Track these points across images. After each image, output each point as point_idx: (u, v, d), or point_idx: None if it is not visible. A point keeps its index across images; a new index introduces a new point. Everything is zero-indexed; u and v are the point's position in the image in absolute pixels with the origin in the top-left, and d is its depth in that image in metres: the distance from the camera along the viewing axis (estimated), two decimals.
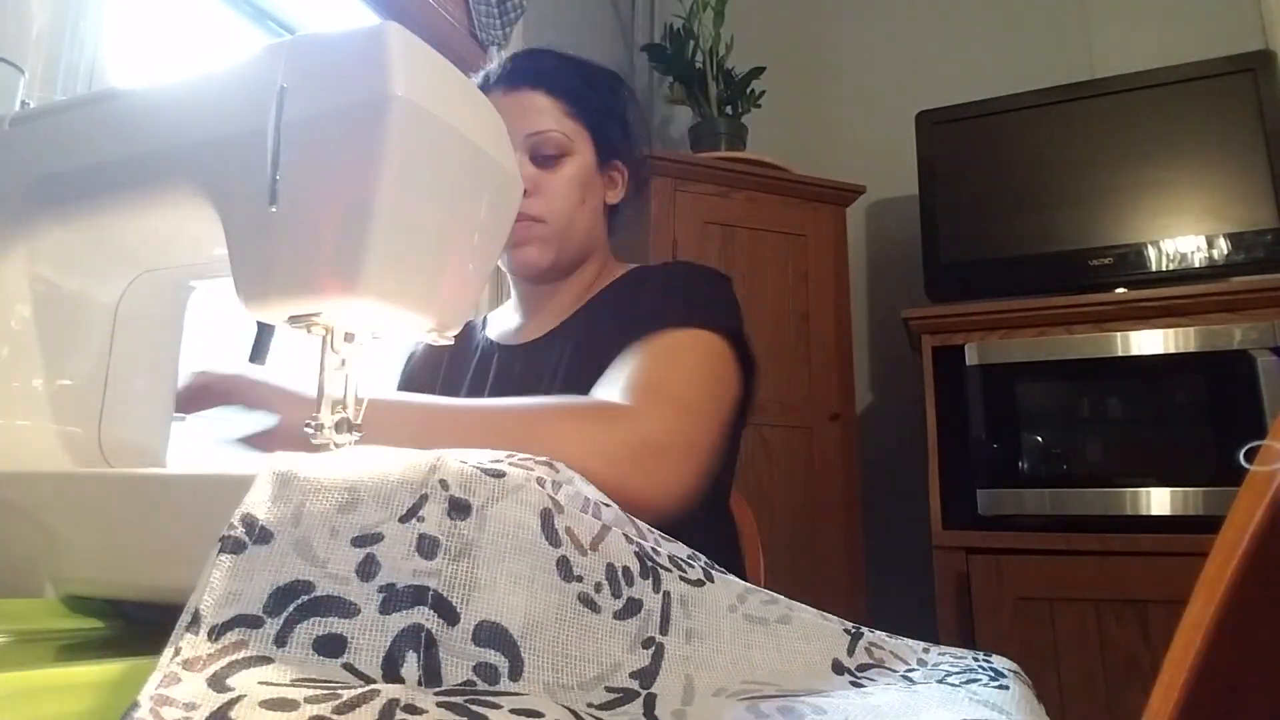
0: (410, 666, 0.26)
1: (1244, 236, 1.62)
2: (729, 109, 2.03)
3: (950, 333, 1.65)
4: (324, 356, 0.42)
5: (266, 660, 0.25)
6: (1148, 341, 1.50)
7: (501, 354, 0.92)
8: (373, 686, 0.24)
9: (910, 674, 0.34)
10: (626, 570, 0.32)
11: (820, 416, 1.81)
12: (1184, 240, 1.66)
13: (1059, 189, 1.78)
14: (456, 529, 0.28)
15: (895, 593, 1.68)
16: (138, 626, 0.40)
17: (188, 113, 0.43)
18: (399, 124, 0.38)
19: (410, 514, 0.28)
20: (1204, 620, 0.31)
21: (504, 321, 0.98)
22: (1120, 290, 1.64)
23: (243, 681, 0.23)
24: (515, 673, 0.27)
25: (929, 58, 2.22)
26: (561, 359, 0.84)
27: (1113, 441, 1.53)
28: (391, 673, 0.25)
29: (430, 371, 0.97)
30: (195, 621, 0.25)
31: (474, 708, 0.24)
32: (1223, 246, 1.63)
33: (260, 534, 0.27)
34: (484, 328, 1.00)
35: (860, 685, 0.32)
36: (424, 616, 0.27)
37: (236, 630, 0.25)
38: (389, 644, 0.26)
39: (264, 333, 0.55)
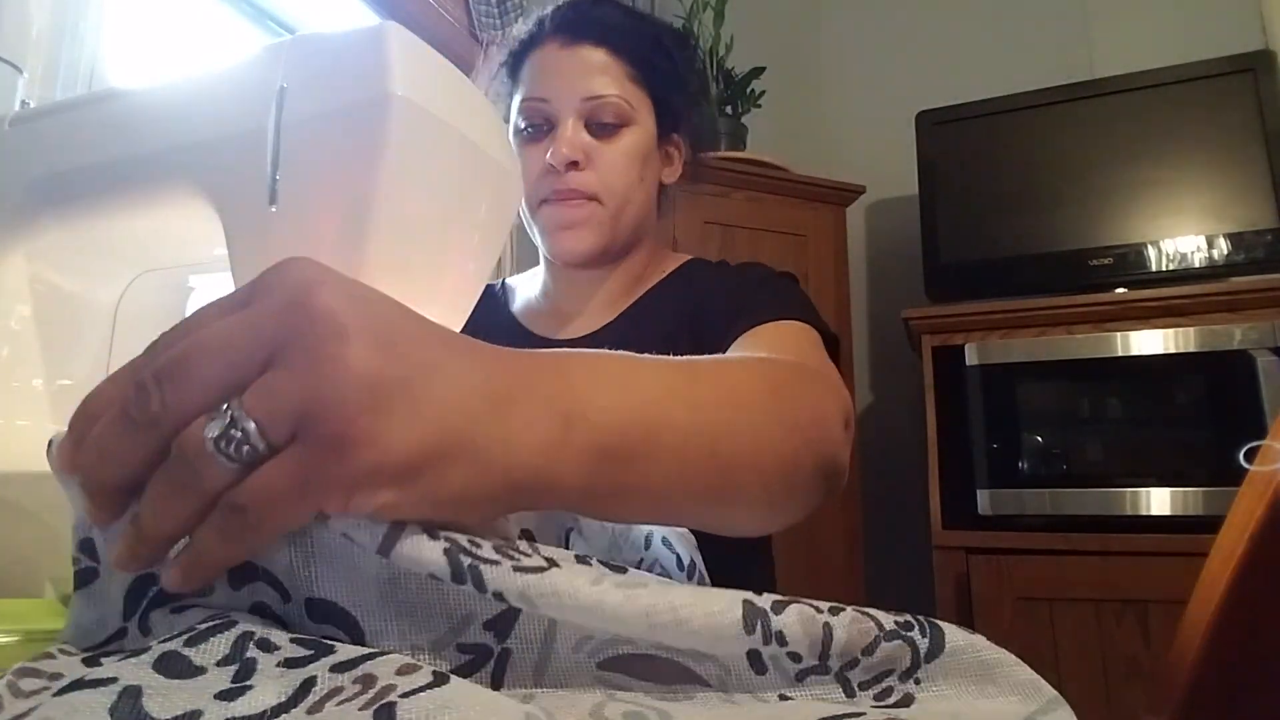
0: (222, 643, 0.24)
1: (1244, 236, 1.62)
2: (729, 109, 2.03)
3: (950, 333, 1.65)
4: None
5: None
6: (1148, 341, 1.50)
7: (536, 345, 0.85)
8: (228, 619, 0.24)
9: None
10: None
11: None
12: (1184, 240, 1.66)
13: (1059, 189, 1.78)
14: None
15: (895, 593, 1.68)
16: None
17: (188, 113, 0.43)
18: (399, 124, 0.38)
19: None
20: (1204, 619, 0.31)
21: (536, 306, 0.88)
22: (1120, 290, 1.64)
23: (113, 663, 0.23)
24: (357, 641, 0.25)
25: (929, 57, 2.22)
26: None
27: (1113, 442, 1.53)
28: (236, 653, 0.24)
29: None
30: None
31: (325, 642, 0.23)
32: (1223, 246, 1.63)
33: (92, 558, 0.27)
34: (509, 301, 0.90)
35: (762, 670, 0.25)
36: (265, 594, 0.26)
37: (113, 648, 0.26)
38: (240, 616, 0.25)
39: None
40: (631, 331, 0.79)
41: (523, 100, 0.78)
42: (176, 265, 0.53)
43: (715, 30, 2.01)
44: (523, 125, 0.78)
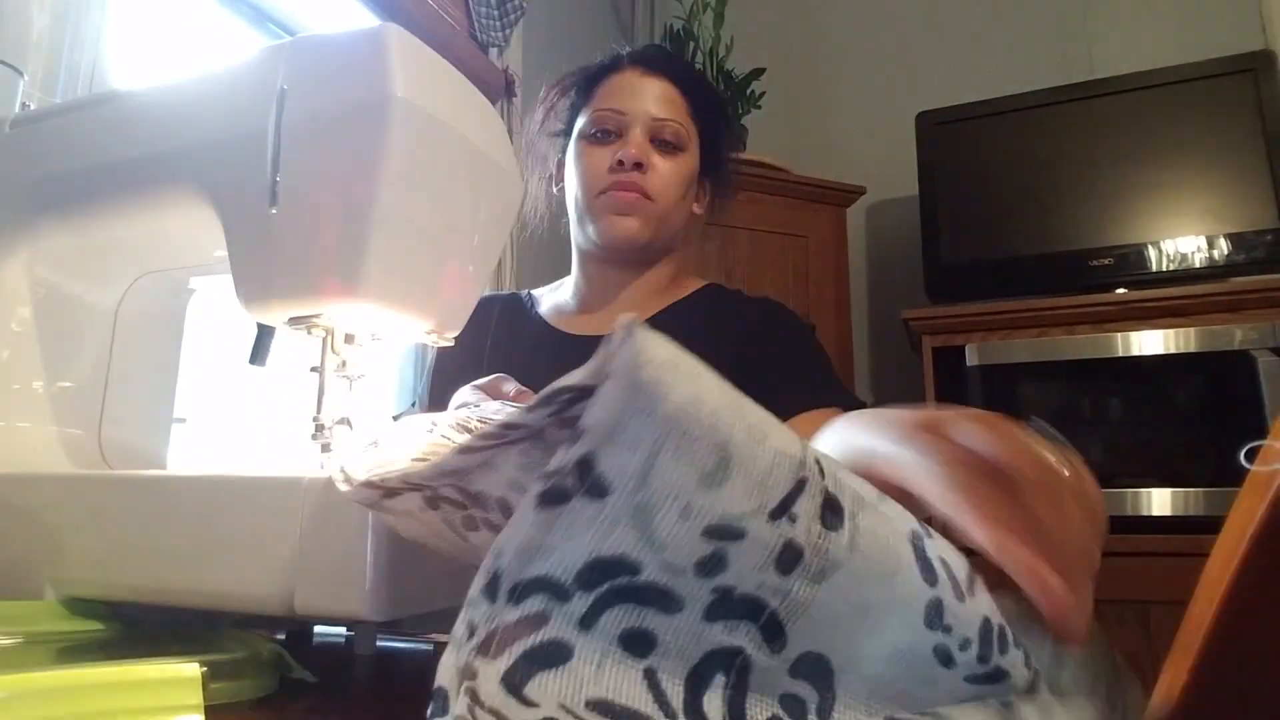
0: (714, 697, 0.22)
1: (1244, 237, 1.62)
2: (729, 110, 2.03)
3: (951, 333, 1.65)
4: (324, 358, 0.42)
5: (566, 651, 0.21)
6: (1148, 342, 1.50)
7: (567, 343, 0.90)
8: None
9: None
10: (1002, 632, 0.26)
11: None
12: (1184, 240, 1.66)
13: (1059, 189, 1.78)
14: (826, 541, 0.22)
15: None
16: (136, 629, 0.40)
17: (188, 114, 0.43)
18: (399, 125, 0.38)
19: (782, 508, 0.22)
20: (1205, 621, 0.31)
21: (565, 308, 0.96)
22: (1121, 291, 1.64)
23: (542, 694, 0.20)
24: (824, 711, 0.23)
25: (929, 58, 2.22)
26: None
27: (1114, 442, 1.53)
28: (693, 696, 0.22)
29: (472, 355, 0.90)
30: (493, 584, 0.21)
31: None
32: (1223, 247, 1.63)
33: (593, 485, 0.21)
34: (536, 306, 0.98)
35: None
36: (747, 637, 0.22)
37: (539, 597, 0.21)
38: (699, 658, 0.22)
39: (264, 334, 0.55)
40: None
41: (596, 110, 0.89)
42: (177, 267, 0.53)
43: (715, 31, 2.01)
44: (592, 130, 0.89)
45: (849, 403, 0.77)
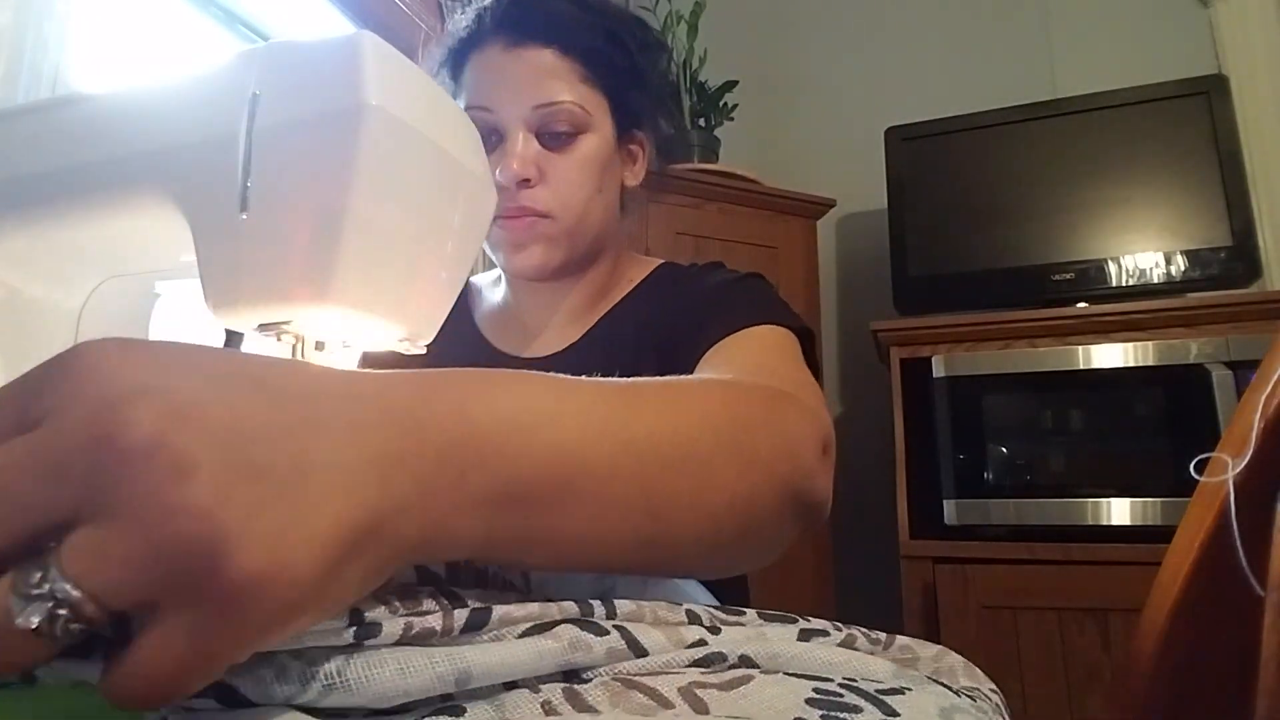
0: None
1: (1200, 254, 1.67)
2: (701, 121, 2.05)
3: (918, 345, 1.68)
4: None
5: None
6: (1108, 355, 1.54)
7: (513, 367, 0.80)
8: None
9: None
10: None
11: None
12: (1143, 256, 1.70)
13: (1023, 205, 1.82)
14: None
15: (863, 602, 1.69)
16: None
17: (158, 117, 0.43)
18: (372, 132, 0.38)
19: None
20: (1157, 626, 0.32)
21: (499, 319, 0.83)
22: (1081, 305, 1.68)
23: None
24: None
25: (898, 75, 2.26)
26: (595, 376, 0.72)
27: (1074, 453, 1.56)
28: None
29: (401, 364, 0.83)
30: None
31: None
32: (1180, 263, 1.68)
33: None
34: (473, 306, 0.86)
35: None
36: None
37: None
38: None
39: (232, 340, 0.55)
40: (599, 349, 0.75)
41: (467, 108, 0.71)
42: (143, 271, 0.52)
43: (689, 44, 2.03)
44: None
45: (765, 319, 0.68)
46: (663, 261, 0.84)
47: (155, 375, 0.20)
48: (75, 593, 0.18)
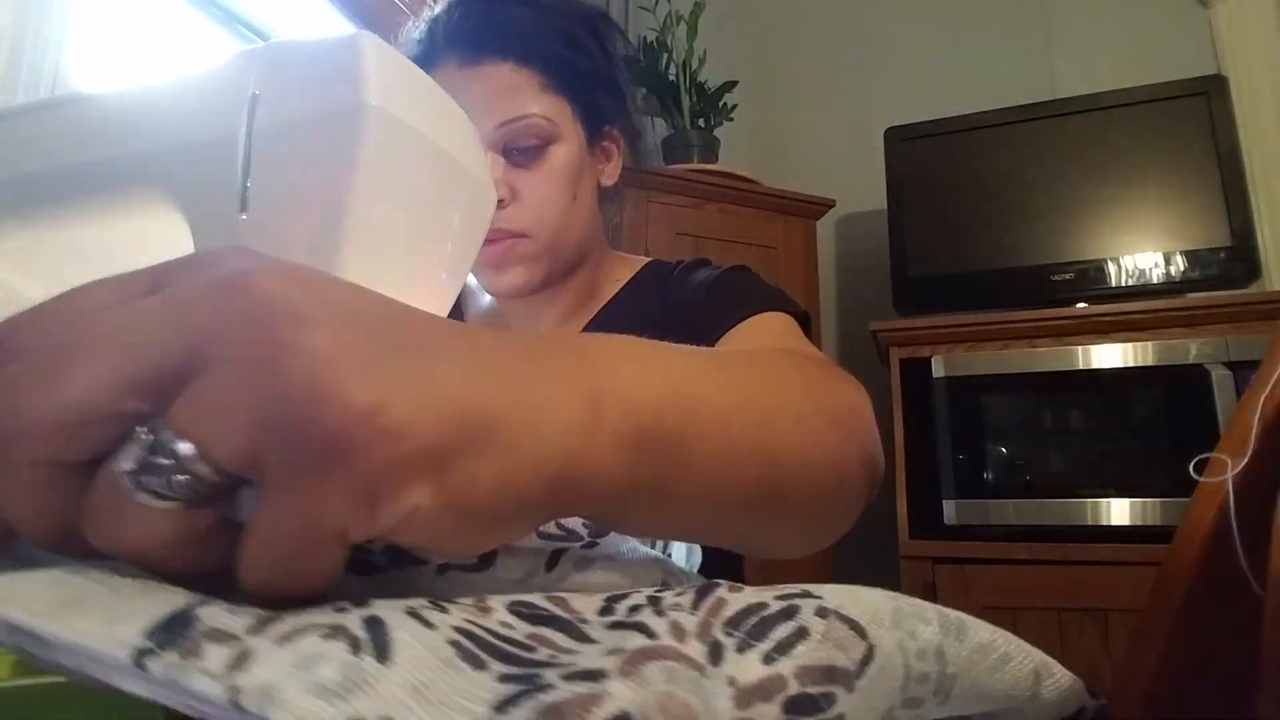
0: None
1: (1199, 254, 1.67)
2: (701, 122, 2.05)
3: (917, 345, 1.68)
4: None
5: None
6: (1107, 355, 1.54)
7: None
8: None
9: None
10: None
11: None
12: (1142, 257, 1.70)
13: (1022, 205, 1.82)
14: None
15: None
16: None
17: (157, 118, 0.43)
18: (372, 133, 0.38)
19: None
20: (1158, 626, 0.32)
21: (488, 319, 0.83)
22: (1081, 305, 1.68)
23: None
24: None
25: (897, 75, 2.26)
26: None
27: (1074, 453, 1.56)
28: None
29: None
30: None
31: None
32: (1179, 263, 1.68)
33: None
34: (463, 309, 0.86)
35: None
36: None
37: None
38: None
39: None
40: None
41: None
42: None
43: (689, 44, 2.03)
44: None
45: (767, 306, 0.68)
46: (649, 260, 0.83)
47: (291, 263, 0.20)
48: (177, 440, 0.17)
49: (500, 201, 0.68)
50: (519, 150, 0.68)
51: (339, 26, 1.58)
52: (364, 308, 0.20)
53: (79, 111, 0.45)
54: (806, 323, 0.70)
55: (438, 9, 0.71)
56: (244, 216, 0.39)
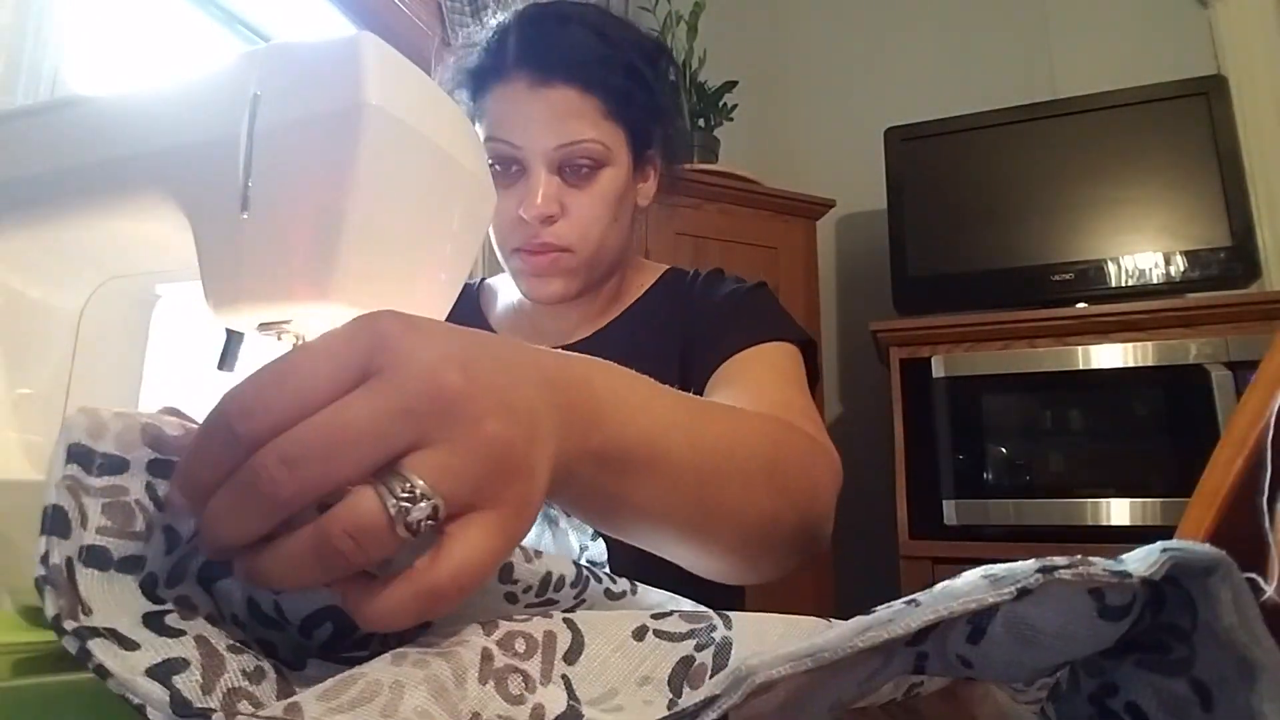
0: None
1: (1199, 254, 1.67)
2: (701, 122, 2.05)
3: (917, 345, 1.68)
4: None
5: None
6: (1107, 355, 1.54)
7: None
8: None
9: None
10: (561, 578, 0.32)
11: None
12: (1142, 257, 1.71)
13: (1022, 205, 1.82)
14: None
15: (862, 602, 1.69)
16: None
17: (159, 118, 0.43)
18: (372, 133, 0.38)
19: None
20: None
21: (514, 318, 0.87)
22: (1081, 305, 1.68)
23: None
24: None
25: (897, 75, 2.26)
26: None
27: (1074, 453, 1.56)
28: None
29: None
30: None
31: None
32: (1179, 263, 1.68)
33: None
34: (486, 304, 0.89)
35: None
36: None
37: None
38: None
39: (233, 340, 0.55)
40: (609, 349, 0.75)
41: (489, 138, 0.73)
42: (144, 272, 0.52)
43: (688, 44, 2.03)
44: (489, 160, 0.73)
45: (772, 335, 0.74)
46: (668, 267, 0.89)
47: (447, 344, 0.28)
48: (431, 495, 0.25)
49: (550, 218, 0.72)
50: (572, 169, 0.73)
51: (339, 27, 1.58)
52: (495, 380, 0.28)
53: (80, 113, 0.45)
54: (813, 350, 0.77)
55: (507, 19, 0.75)
56: (245, 216, 0.39)
